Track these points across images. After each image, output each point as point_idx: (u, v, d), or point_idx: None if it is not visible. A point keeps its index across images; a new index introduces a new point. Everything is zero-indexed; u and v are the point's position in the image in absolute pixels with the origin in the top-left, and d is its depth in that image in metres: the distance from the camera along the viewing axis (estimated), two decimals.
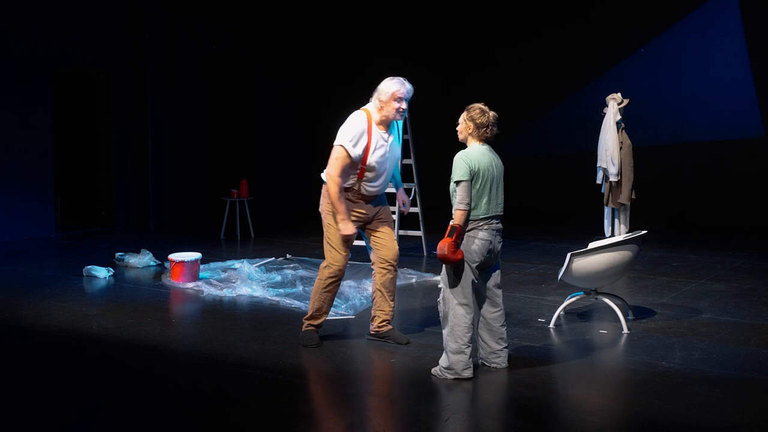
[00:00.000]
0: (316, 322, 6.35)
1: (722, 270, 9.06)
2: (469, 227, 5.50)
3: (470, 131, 5.57)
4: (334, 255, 6.19)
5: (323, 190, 6.24)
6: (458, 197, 5.45)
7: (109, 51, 12.18)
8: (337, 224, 6.08)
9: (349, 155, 6.04)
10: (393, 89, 6.10)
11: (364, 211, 6.26)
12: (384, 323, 6.38)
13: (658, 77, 12.39)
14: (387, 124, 6.22)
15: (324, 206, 6.24)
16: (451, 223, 5.46)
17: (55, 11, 11.49)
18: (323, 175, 6.19)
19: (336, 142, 6.09)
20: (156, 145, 12.55)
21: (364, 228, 6.35)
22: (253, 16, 13.42)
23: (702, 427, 4.82)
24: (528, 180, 12.45)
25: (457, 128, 5.66)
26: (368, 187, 6.21)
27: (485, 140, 5.60)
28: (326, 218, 6.22)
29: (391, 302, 6.38)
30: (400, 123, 6.43)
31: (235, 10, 13.26)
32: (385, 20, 13.89)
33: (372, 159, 6.11)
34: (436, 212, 10.83)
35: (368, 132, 6.10)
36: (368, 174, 6.17)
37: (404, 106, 6.14)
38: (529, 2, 13.21)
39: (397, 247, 6.38)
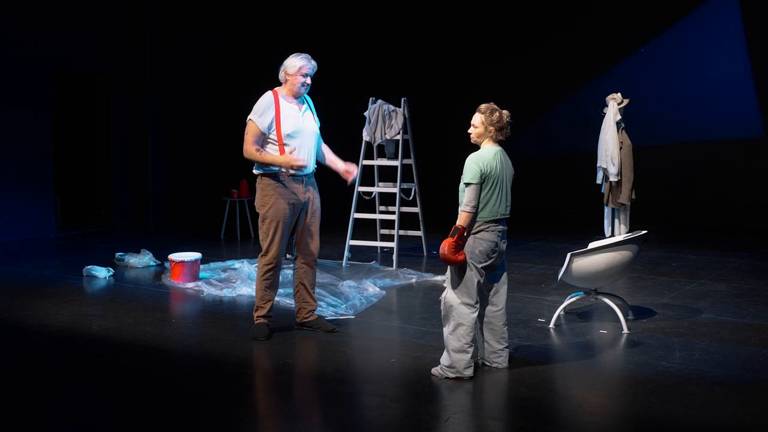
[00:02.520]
0: (262, 313, 6.55)
1: (722, 270, 9.06)
2: (475, 228, 5.50)
3: (491, 135, 5.55)
4: (269, 245, 6.43)
5: (257, 186, 6.52)
6: (465, 199, 5.45)
7: (109, 51, 12.19)
8: (286, 164, 6.31)
9: (257, 126, 6.36)
10: (300, 64, 6.43)
11: (297, 196, 6.44)
12: (310, 313, 6.68)
13: (658, 77, 12.38)
14: (296, 97, 6.52)
15: (259, 200, 6.50)
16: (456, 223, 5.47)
17: (55, 11, 11.49)
18: (255, 170, 6.55)
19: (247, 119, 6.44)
20: (156, 145, 12.55)
21: (296, 220, 6.53)
22: (253, 16, 13.42)
23: (702, 427, 4.82)
24: (528, 180, 12.44)
25: (471, 130, 5.63)
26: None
27: (500, 141, 5.59)
28: (261, 210, 6.47)
29: (314, 294, 6.73)
30: (310, 101, 6.69)
31: (235, 10, 13.26)
32: (386, 21, 13.88)
33: (285, 128, 6.38)
34: (436, 212, 10.84)
35: (275, 104, 6.42)
36: (288, 147, 6.39)
37: (309, 81, 6.46)
38: (530, 3, 13.20)
39: (319, 243, 6.68)
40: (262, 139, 6.42)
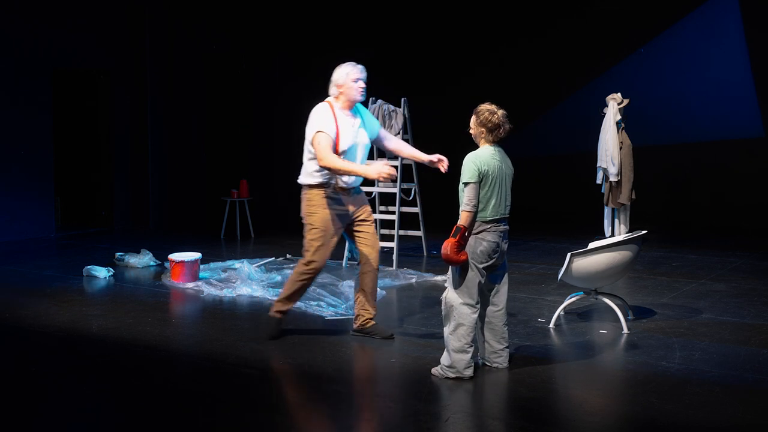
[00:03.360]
0: (280, 308, 6.49)
1: (722, 270, 9.06)
2: (477, 229, 5.50)
3: (483, 135, 5.56)
4: (316, 254, 6.29)
5: (303, 196, 6.36)
6: (465, 198, 5.45)
7: (109, 51, 12.19)
8: (377, 175, 5.99)
9: (330, 136, 6.16)
10: (346, 70, 6.31)
11: (344, 207, 6.34)
12: (368, 320, 6.53)
13: (658, 77, 12.38)
14: (350, 107, 6.36)
15: (305, 210, 6.35)
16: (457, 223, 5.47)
17: (55, 11, 11.50)
18: (300, 180, 6.37)
19: (313, 132, 6.19)
20: (156, 145, 12.55)
21: (347, 228, 6.44)
22: (253, 16, 13.42)
23: (702, 427, 4.82)
24: (528, 180, 12.43)
25: (471, 132, 5.65)
26: (344, 178, 6.27)
27: (498, 140, 5.59)
28: (308, 219, 6.33)
29: (374, 302, 6.55)
30: (365, 110, 6.52)
31: (235, 10, 13.26)
32: (385, 20, 13.89)
33: (343, 144, 6.23)
34: (436, 212, 10.84)
35: (334, 118, 6.24)
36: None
37: (362, 84, 6.32)
38: (530, 2, 13.20)
39: (379, 246, 6.53)
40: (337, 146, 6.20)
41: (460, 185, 5.50)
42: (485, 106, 5.58)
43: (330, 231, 6.30)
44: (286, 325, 6.88)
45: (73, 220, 12.39)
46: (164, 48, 12.57)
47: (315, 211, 6.29)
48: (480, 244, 5.50)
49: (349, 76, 6.29)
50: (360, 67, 6.37)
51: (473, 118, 5.60)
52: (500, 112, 5.55)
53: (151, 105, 12.47)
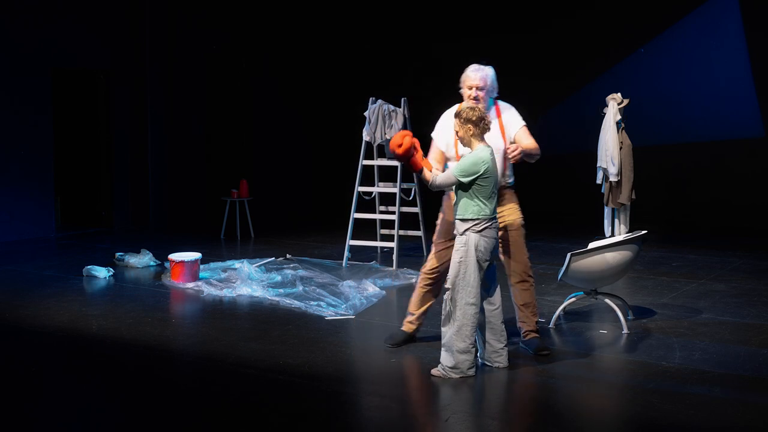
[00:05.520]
0: (405, 320, 6.27)
1: (722, 270, 9.06)
2: (480, 227, 5.52)
3: (471, 132, 5.57)
4: (432, 251, 6.15)
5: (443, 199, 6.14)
6: (451, 177, 5.53)
7: (110, 51, 12.19)
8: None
9: (435, 143, 5.96)
10: (464, 77, 5.87)
11: None
12: (527, 333, 6.14)
13: (658, 77, 12.38)
14: None
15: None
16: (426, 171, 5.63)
17: (55, 11, 11.49)
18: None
19: None
20: (156, 145, 12.55)
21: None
22: (253, 16, 13.42)
23: (702, 427, 4.82)
24: (528, 180, 12.43)
25: (458, 137, 5.66)
26: None
27: (485, 134, 5.61)
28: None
29: (532, 315, 6.10)
30: (506, 108, 6.06)
31: (235, 10, 13.26)
32: (384, 20, 13.89)
33: (460, 149, 5.80)
34: (436, 212, 10.83)
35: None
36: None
37: (474, 93, 5.79)
38: (530, 2, 13.20)
39: (526, 258, 6.04)
40: (445, 158, 5.88)
41: (459, 178, 5.52)
42: (462, 105, 5.69)
43: (438, 232, 6.08)
44: (286, 324, 6.89)
45: (73, 220, 12.39)
46: (164, 48, 12.57)
47: (441, 211, 6.09)
48: (482, 241, 5.52)
49: (464, 83, 5.86)
50: (481, 74, 5.82)
51: (456, 122, 5.59)
52: (480, 105, 5.70)
53: (151, 105, 12.47)
